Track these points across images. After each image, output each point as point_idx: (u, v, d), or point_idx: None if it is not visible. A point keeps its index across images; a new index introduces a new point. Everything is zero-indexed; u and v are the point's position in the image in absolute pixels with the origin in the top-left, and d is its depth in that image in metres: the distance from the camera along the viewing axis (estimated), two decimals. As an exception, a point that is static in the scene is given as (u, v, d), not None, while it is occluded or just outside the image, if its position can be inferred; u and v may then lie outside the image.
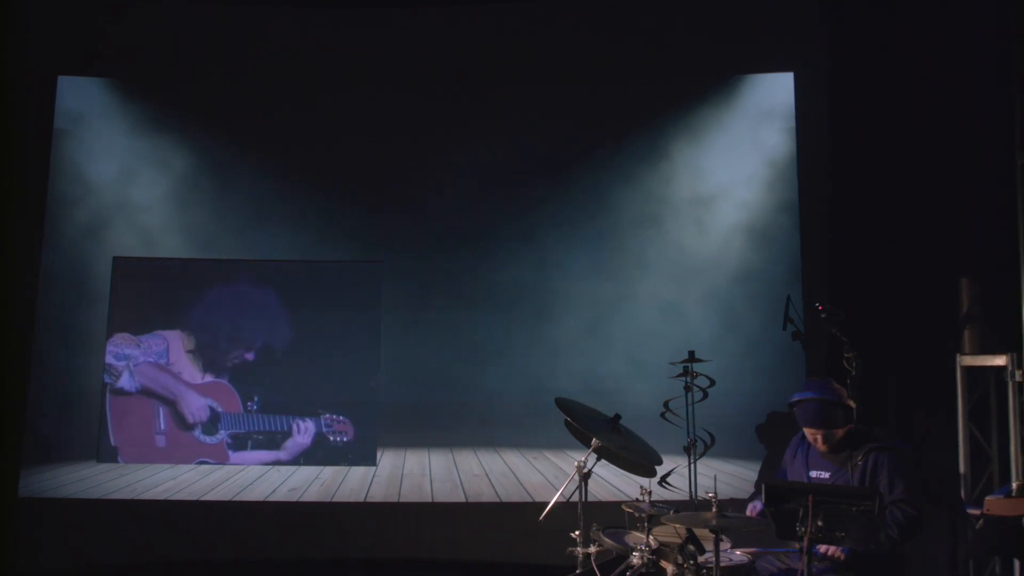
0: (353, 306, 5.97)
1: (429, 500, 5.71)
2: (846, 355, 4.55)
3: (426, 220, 6.00)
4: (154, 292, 5.94)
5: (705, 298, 5.79)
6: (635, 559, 3.48)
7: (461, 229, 6.00)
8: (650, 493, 3.63)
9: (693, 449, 4.89)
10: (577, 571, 4.03)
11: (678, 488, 5.35)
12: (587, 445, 4.37)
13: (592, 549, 4.04)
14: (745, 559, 3.56)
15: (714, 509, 3.29)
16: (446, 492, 5.74)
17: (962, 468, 4.47)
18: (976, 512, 3.96)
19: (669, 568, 3.29)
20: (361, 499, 5.72)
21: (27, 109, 5.86)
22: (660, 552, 3.48)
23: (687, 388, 5.31)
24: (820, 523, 2.92)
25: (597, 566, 3.83)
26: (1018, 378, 4.22)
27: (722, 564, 3.41)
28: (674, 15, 5.89)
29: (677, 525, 3.37)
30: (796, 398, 3.82)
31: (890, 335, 5.00)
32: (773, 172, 5.79)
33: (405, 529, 5.67)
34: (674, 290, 5.83)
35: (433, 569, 5.63)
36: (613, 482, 5.61)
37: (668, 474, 5.21)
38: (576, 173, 5.96)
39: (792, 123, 5.77)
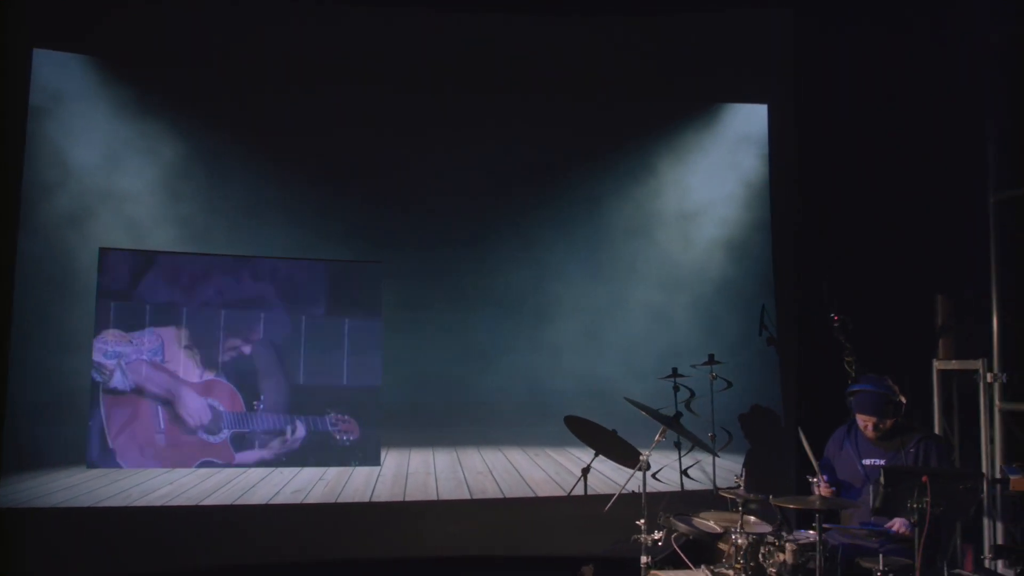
0: (353, 305, 5.95)
1: (435, 498, 5.82)
2: (846, 359, 5.22)
3: (425, 221, 6.07)
4: (145, 286, 5.61)
5: (690, 306, 6.30)
6: (740, 540, 3.87)
7: (460, 231, 6.13)
8: (743, 477, 4.04)
9: (714, 442, 5.40)
10: (644, 559, 4.35)
11: (669, 481, 5.87)
12: (589, 443, 4.75)
13: (657, 535, 4.41)
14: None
15: (818, 491, 3.76)
16: (451, 490, 5.86)
17: (937, 454, 5.27)
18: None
19: (789, 547, 3.71)
20: (367, 499, 5.73)
21: (2, 81, 5.35)
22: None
23: (675, 389, 5.86)
24: (928, 499, 3.45)
25: (679, 547, 4.20)
26: (988, 380, 5.06)
27: (802, 541, 3.89)
28: (663, 44, 6.33)
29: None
30: (854, 388, 4.35)
31: (865, 341, 5.65)
32: (749, 192, 6.41)
33: (411, 527, 5.75)
34: (663, 298, 6.29)
35: (441, 565, 5.73)
36: (610, 475, 5.97)
37: (690, 466, 5.74)
38: (571, 182, 6.25)
39: (766, 149, 6.42)
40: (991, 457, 5.04)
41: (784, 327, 6.21)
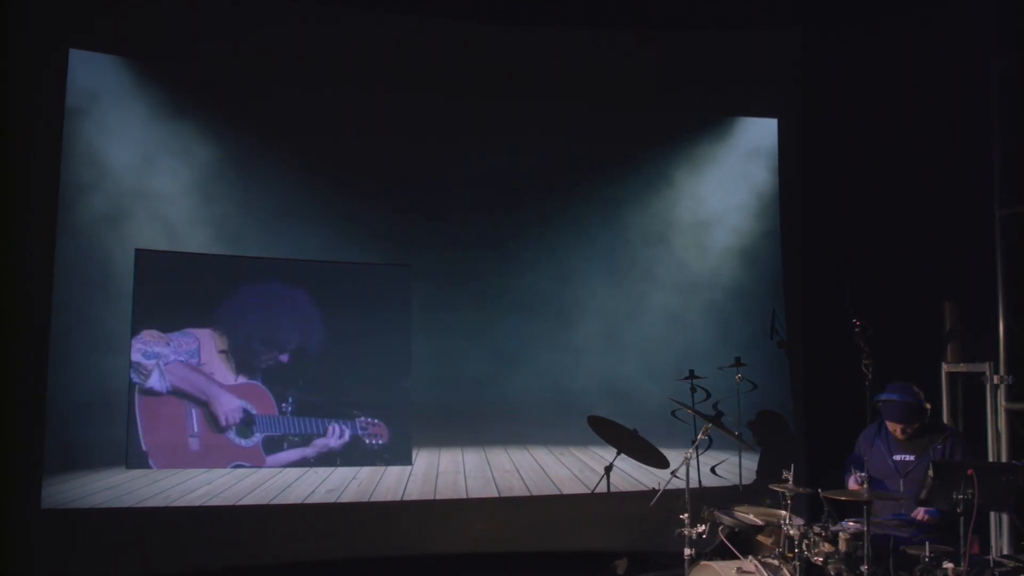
0: (383, 307, 6.06)
1: (464, 496, 5.96)
2: (864, 362, 5.53)
3: (451, 225, 6.22)
4: (182, 288, 5.64)
5: (704, 310, 6.55)
6: (792, 531, 4.11)
7: (485, 236, 6.28)
8: (791, 478, 4.28)
9: (741, 440, 5.67)
10: (688, 551, 4.58)
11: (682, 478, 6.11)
12: (612, 442, 5.06)
13: (700, 528, 4.65)
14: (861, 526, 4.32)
15: (864, 484, 4.03)
16: (480, 488, 6.02)
17: (945, 451, 5.62)
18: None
19: (842, 536, 3.97)
20: (398, 498, 5.84)
21: (39, 81, 5.34)
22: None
23: (691, 390, 6.13)
24: (972, 491, 3.75)
25: (725, 537, 4.43)
26: (995, 381, 5.42)
27: (851, 531, 4.15)
28: (680, 60, 6.57)
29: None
30: (883, 397, 4.64)
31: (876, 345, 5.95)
32: (759, 203, 6.70)
33: (442, 524, 5.89)
34: (679, 302, 6.54)
35: (471, 561, 5.88)
36: (632, 473, 6.20)
37: (717, 464, 5.99)
38: (592, 190, 6.46)
39: (776, 162, 6.72)
40: (997, 453, 5.40)
41: (794, 331, 6.52)
